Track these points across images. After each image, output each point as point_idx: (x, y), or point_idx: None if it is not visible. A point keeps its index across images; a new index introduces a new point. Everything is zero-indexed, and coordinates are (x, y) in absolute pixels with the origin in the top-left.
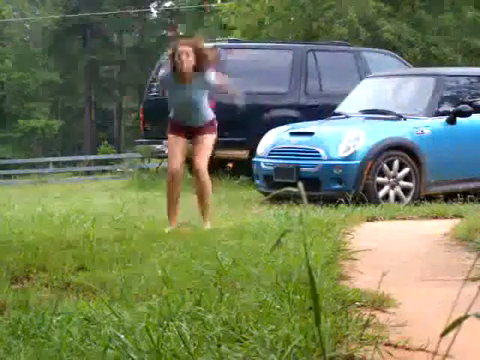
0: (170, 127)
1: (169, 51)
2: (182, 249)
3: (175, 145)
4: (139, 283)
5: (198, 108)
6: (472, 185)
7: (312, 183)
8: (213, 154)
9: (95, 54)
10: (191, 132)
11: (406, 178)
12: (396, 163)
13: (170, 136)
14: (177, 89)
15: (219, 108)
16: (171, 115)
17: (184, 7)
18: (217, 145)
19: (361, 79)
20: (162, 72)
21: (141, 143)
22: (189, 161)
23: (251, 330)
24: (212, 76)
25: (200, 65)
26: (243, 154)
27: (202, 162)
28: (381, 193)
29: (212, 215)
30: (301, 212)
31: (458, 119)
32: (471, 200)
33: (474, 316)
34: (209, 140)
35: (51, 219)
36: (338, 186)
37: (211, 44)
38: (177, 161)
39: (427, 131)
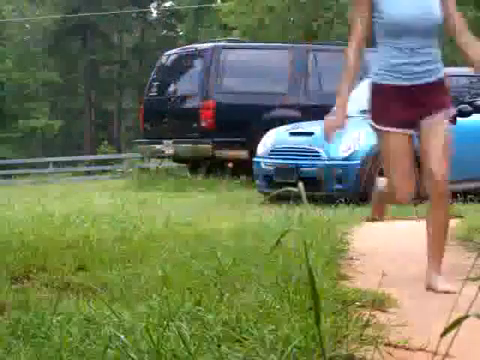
0: (379, 104)
1: None
2: (182, 249)
3: (398, 150)
4: (139, 283)
5: (435, 29)
6: (472, 185)
7: (312, 183)
8: (213, 154)
9: (95, 54)
10: (416, 101)
11: None
12: None
13: (386, 133)
14: None
15: (219, 108)
16: (380, 66)
17: (184, 7)
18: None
19: (361, 79)
20: None
21: (141, 143)
22: (186, 161)
23: (251, 330)
24: None
25: None
26: (243, 154)
27: (442, 168)
28: None
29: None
30: (301, 212)
31: (458, 119)
32: (471, 200)
33: (474, 316)
34: (446, 125)
35: (51, 219)
36: (338, 186)
37: (210, 44)
38: (408, 183)
39: None
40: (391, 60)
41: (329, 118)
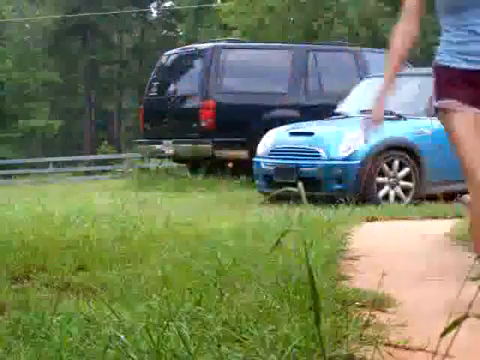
0: (444, 86)
1: None
2: (182, 249)
3: (469, 129)
4: (139, 283)
5: None
6: None
7: (312, 183)
8: (213, 154)
9: (95, 54)
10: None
11: (406, 178)
12: (396, 163)
13: (453, 112)
14: None
15: (219, 108)
16: (444, 47)
17: (184, 7)
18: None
19: (361, 79)
20: None
21: (141, 143)
22: (188, 161)
23: (251, 330)
24: None
25: None
26: (243, 154)
27: None
28: (381, 193)
29: None
30: (301, 212)
31: None
32: None
33: (474, 316)
34: None
35: (51, 219)
36: (338, 186)
37: (210, 44)
38: None
39: (427, 131)
40: (453, 40)
41: (365, 118)
